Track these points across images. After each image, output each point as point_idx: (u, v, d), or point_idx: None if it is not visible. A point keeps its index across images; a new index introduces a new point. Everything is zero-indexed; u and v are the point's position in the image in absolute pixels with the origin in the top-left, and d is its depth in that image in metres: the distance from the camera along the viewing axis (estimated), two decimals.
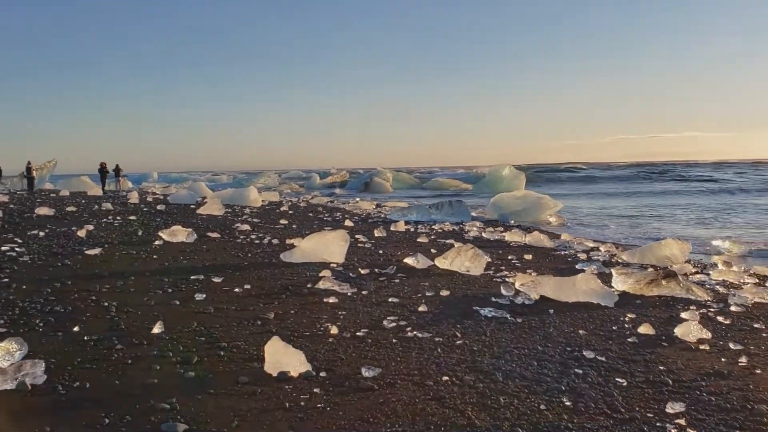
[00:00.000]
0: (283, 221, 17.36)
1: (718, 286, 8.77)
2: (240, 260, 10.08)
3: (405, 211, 20.25)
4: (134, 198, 26.26)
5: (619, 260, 11.49)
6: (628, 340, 5.67)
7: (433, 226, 17.14)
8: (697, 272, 10.18)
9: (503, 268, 10.02)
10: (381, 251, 11.53)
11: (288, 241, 12.35)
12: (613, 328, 6.12)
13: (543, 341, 5.57)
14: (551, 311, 6.75)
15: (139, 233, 13.31)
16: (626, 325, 6.22)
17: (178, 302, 6.98)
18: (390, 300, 7.18)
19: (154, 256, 10.31)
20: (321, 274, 8.56)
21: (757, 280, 9.41)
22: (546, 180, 54.17)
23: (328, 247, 9.78)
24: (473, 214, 20.80)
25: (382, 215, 20.93)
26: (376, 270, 9.21)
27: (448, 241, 13.51)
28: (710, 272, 9.96)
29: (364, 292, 7.62)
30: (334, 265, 9.51)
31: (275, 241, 12.58)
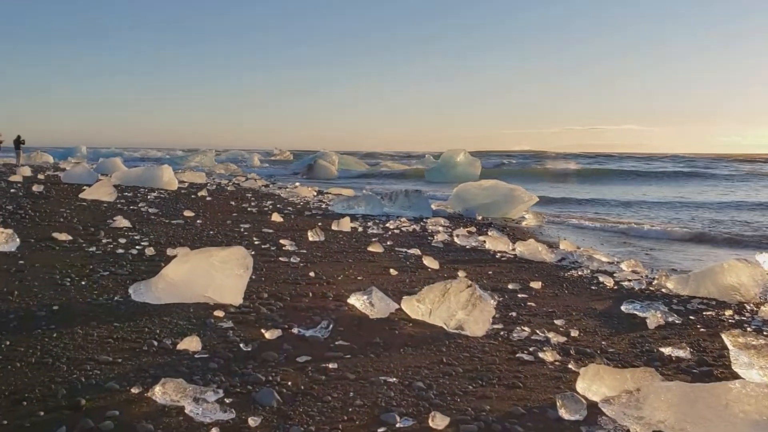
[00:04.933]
0: (188, 213, 12.86)
1: None
2: (51, 299, 5.54)
3: (351, 201, 16.03)
4: (23, 173, 21.24)
5: (664, 289, 7.73)
6: None
7: (387, 224, 13.05)
8: None
9: (514, 313, 6.01)
10: (312, 273, 7.28)
11: (170, 252, 8.01)
12: None
13: None
14: None
15: None
16: None
17: None
18: None
19: None
20: (181, 347, 4.28)
21: None
22: (507, 172, 47.52)
23: (213, 276, 5.46)
24: (433, 207, 16.77)
25: (324, 205, 16.71)
26: (296, 330, 4.89)
27: (411, 252, 9.44)
28: None
29: (252, 421, 3.25)
30: (221, 314, 5.24)
31: (150, 250, 8.15)
